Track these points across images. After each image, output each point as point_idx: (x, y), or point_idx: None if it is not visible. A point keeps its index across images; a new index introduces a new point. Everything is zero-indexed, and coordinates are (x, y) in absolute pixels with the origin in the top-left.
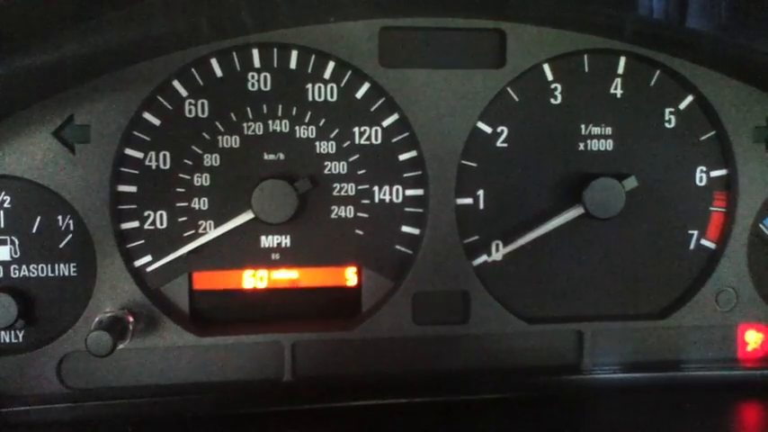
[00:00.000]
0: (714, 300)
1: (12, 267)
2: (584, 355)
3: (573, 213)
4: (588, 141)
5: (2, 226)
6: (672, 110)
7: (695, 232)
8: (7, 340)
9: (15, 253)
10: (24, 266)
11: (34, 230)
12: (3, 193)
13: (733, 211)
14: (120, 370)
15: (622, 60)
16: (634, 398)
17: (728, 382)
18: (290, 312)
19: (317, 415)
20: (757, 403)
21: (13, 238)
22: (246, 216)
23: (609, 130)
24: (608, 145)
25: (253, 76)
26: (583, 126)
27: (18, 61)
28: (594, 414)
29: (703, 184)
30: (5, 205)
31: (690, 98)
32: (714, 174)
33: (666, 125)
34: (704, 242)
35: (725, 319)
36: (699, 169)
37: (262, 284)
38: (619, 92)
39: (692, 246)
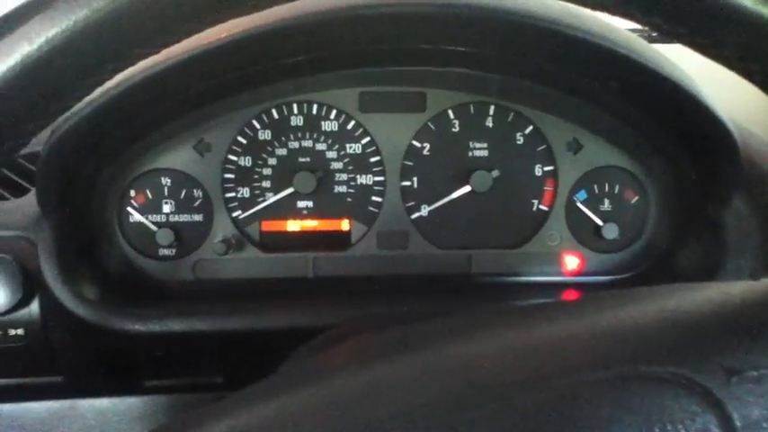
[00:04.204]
0: (546, 240)
1: (170, 215)
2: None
3: (465, 189)
4: (473, 152)
5: (166, 194)
6: (520, 133)
7: (535, 201)
8: (167, 253)
9: (173, 208)
10: (176, 215)
11: (182, 196)
12: (166, 178)
13: (557, 189)
14: (225, 268)
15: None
16: None
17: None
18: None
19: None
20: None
21: (172, 200)
22: (290, 190)
23: (486, 145)
24: (485, 153)
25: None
26: (470, 143)
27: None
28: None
29: (540, 174)
30: (168, 184)
31: (531, 127)
32: (546, 168)
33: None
34: (541, 207)
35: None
36: (537, 166)
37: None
38: (491, 124)
39: (534, 209)
